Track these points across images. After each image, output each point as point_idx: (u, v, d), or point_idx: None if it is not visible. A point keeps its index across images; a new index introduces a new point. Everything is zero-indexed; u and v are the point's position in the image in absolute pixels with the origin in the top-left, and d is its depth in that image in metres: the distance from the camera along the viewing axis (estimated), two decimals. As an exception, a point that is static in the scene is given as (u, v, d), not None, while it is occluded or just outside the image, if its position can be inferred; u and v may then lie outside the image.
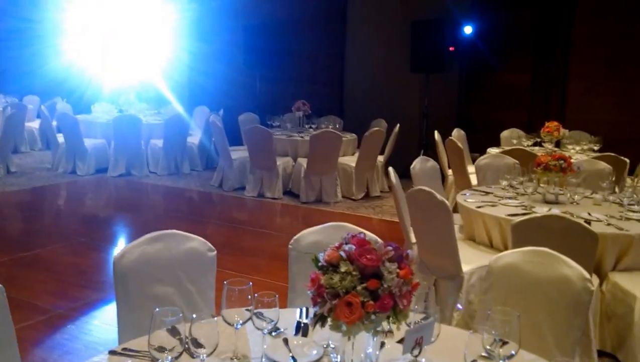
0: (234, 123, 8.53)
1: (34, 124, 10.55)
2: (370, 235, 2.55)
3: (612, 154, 5.58)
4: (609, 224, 3.35)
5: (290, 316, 1.93)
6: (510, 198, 3.98)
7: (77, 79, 10.89)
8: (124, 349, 1.71)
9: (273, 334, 1.75)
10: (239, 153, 7.74)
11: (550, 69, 7.92)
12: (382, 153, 7.68)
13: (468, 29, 8.06)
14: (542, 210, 3.62)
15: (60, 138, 8.65)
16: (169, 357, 1.45)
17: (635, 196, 3.63)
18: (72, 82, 10.86)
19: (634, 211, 3.63)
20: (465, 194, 4.10)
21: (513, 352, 1.42)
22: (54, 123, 8.84)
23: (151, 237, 2.28)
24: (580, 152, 6.37)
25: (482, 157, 5.22)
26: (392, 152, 7.73)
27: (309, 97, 8.37)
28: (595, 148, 6.36)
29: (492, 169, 5.03)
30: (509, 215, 3.54)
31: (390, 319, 1.29)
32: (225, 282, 1.64)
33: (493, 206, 3.79)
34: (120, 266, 2.20)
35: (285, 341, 1.73)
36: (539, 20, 7.94)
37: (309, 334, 1.79)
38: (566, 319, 2.07)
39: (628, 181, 4.25)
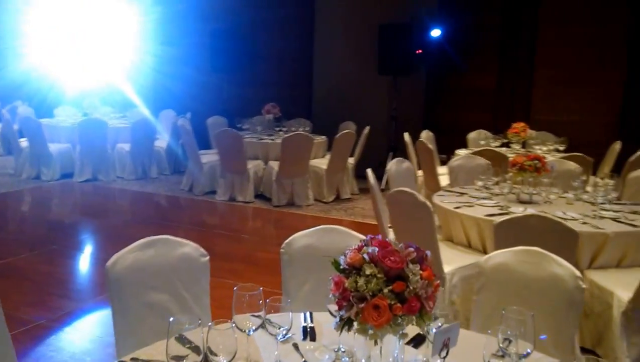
0: (202, 127, 8.46)
1: (-7, 129, 10.24)
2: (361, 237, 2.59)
3: (579, 154, 5.75)
4: (584, 223, 3.45)
5: (286, 320, 1.91)
6: (485, 198, 4.07)
7: (37, 82, 10.61)
8: (133, 359, 1.68)
9: (279, 338, 1.75)
10: (208, 157, 7.67)
11: (515, 71, 8.11)
12: (351, 155, 7.72)
13: (435, 33, 8.18)
14: (518, 210, 3.71)
15: (24, 143, 8.42)
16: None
17: (607, 195, 3.75)
18: (32, 85, 10.59)
19: (606, 210, 3.75)
20: (443, 195, 4.17)
21: (529, 350, 1.46)
22: (16, 127, 8.60)
23: (143, 243, 2.25)
24: (546, 152, 6.52)
25: (454, 159, 5.32)
26: (361, 154, 7.79)
27: (277, 100, 8.36)
28: (561, 148, 6.54)
29: (464, 170, 5.12)
30: (486, 215, 3.62)
31: (415, 321, 1.30)
32: (235, 288, 1.64)
33: (470, 206, 3.86)
34: (114, 272, 2.17)
35: (296, 346, 1.73)
36: (504, 24, 8.11)
37: (317, 339, 1.80)
38: (560, 317, 2.13)
39: (598, 180, 4.38)
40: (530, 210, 3.69)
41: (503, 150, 6.48)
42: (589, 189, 4.20)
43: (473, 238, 3.75)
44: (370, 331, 1.29)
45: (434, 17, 8.33)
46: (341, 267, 1.37)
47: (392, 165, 4.68)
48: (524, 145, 6.83)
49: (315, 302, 2.24)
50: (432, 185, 6.02)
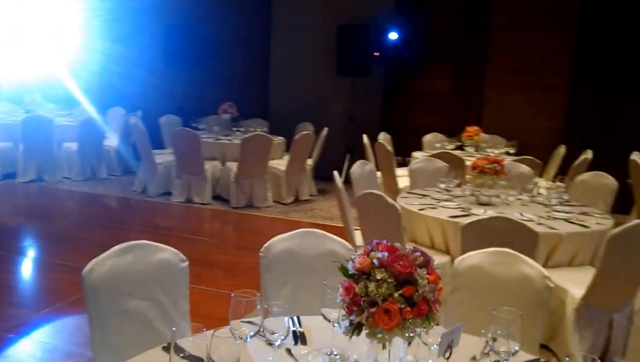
0: (154, 125, 8.28)
1: None
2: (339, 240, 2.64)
3: (530, 157, 5.99)
4: (539, 224, 3.60)
5: (277, 325, 1.93)
6: (446, 201, 4.19)
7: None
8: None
9: (273, 345, 1.76)
10: (163, 157, 7.54)
11: (469, 75, 8.33)
12: (309, 156, 7.76)
13: (393, 35, 8.31)
14: (478, 211, 3.84)
15: (-40, 142, 8.04)
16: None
17: (561, 197, 3.92)
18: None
19: (558, 211, 3.93)
20: (407, 197, 4.26)
21: (516, 348, 1.53)
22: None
23: (121, 249, 2.22)
24: (498, 155, 6.73)
25: (414, 161, 5.44)
26: (320, 155, 7.84)
27: (232, 99, 8.30)
28: (511, 151, 6.78)
29: (424, 173, 5.23)
30: (450, 217, 3.73)
31: (422, 323, 1.35)
32: (232, 294, 1.65)
33: (433, 208, 3.97)
34: (91, 280, 2.13)
35: (289, 351, 1.75)
36: (458, 29, 8.32)
37: (307, 343, 1.83)
38: (529, 315, 2.21)
39: (550, 183, 4.57)
40: (490, 211, 3.83)
41: (458, 153, 6.66)
42: (542, 191, 4.39)
43: (437, 239, 3.85)
44: (379, 335, 1.33)
45: (392, 19, 8.46)
46: (350, 272, 1.40)
47: (356, 167, 4.74)
48: (477, 148, 7.04)
49: (296, 306, 2.27)
50: (391, 187, 6.13)
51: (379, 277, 1.34)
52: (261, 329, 1.64)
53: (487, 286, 2.33)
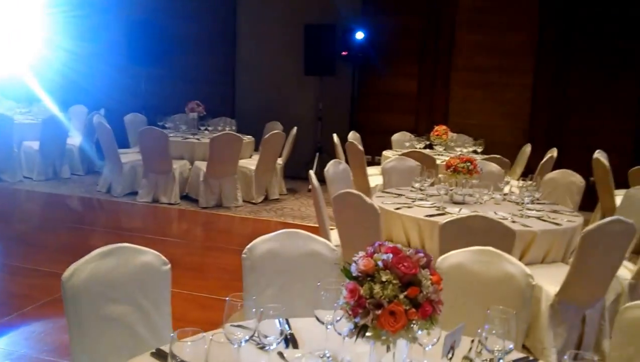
0: (117, 124, 8.08)
1: None
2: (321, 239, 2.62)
3: (498, 156, 6.09)
4: (513, 222, 3.65)
5: (267, 328, 1.90)
6: (421, 200, 4.22)
7: None
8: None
9: (267, 349, 1.74)
10: (128, 156, 7.40)
11: (434, 75, 8.42)
12: (279, 156, 7.73)
13: (359, 35, 8.33)
14: (453, 210, 3.88)
15: None
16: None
17: (533, 195, 3.99)
18: None
19: (529, 209, 4.00)
20: (382, 197, 4.28)
21: (511, 346, 1.55)
22: None
23: (102, 252, 2.15)
24: (466, 154, 6.83)
25: (387, 161, 5.46)
26: (289, 154, 7.82)
27: (198, 97, 8.18)
28: (479, 150, 6.87)
29: (397, 172, 5.26)
30: (426, 216, 3.76)
31: (426, 325, 1.35)
32: (227, 298, 1.62)
33: (409, 207, 3.99)
34: (71, 285, 2.05)
35: (281, 354, 1.73)
36: (423, 28, 8.40)
37: (299, 346, 1.81)
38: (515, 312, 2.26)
39: (520, 182, 4.63)
40: (465, 210, 3.88)
41: (427, 151, 6.73)
42: (514, 190, 4.46)
43: (413, 238, 3.87)
44: (384, 337, 1.32)
45: (358, 18, 8.48)
46: (354, 274, 1.39)
47: (330, 166, 4.73)
48: (445, 147, 7.12)
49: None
50: (362, 186, 6.14)
51: (384, 278, 1.33)
52: (255, 333, 1.61)
53: (469, 284, 2.35)
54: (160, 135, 6.86)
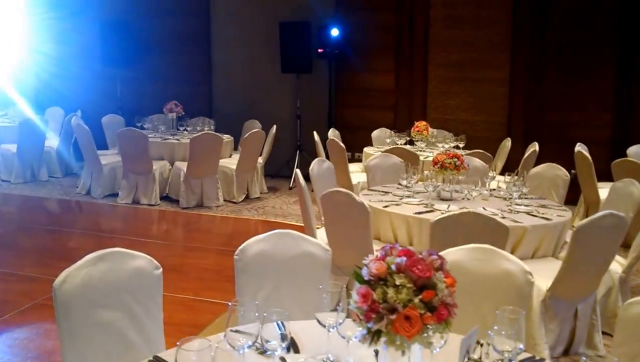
0: (94, 126, 7.93)
1: None
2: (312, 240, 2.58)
3: (481, 150, 6.10)
4: (503, 218, 3.65)
5: (266, 332, 1.86)
6: (408, 197, 4.19)
7: None
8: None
9: (268, 353, 1.69)
10: (108, 157, 7.28)
11: (411, 71, 8.42)
12: (259, 154, 7.66)
13: (335, 32, 8.28)
14: (442, 207, 3.87)
15: None
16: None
17: (521, 190, 3.99)
18: None
19: (518, 204, 4.00)
20: (370, 195, 4.25)
21: (521, 347, 1.53)
22: None
23: (94, 258, 2.10)
24: (447, 150, 6.84)
25: (371, 158, 5.42)
26: (270, 153, 7.76)
27: (175, 98, 8.05)
28: (461, 145, 6.88)
29: (381, 169, 5.24)
30: (415, 213, 3.74)
31: (441, 329, 1.31)
32: (229, 303, 1.57)
33: (397, 205, 3.97)
34: (62, 293, 1.99)
35: (283, 360, 1.68)
36: (397, 24, 8.38)
37: (300, 350, 1.77)
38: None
39: (507, 177, 4.65)
40: (453, 206, 3.87)
41: (409, 148, 6.71)
42: (502, 185, 4.47)
43: (401, 236, 3.85)
44: (398, 342, 1.28)
45: (333, 16, 8.44)
46: (366, 278, 1.35)
47: (314, 165, 4.68)
48: (427, 143, 7.11)
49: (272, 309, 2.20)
50: (344, 183, 6.11)
51: (397, 282, 1.29)
52: (258, 338, 1.57)
53: (467, 282, 2.31)
54: (140, 136, 6.74)
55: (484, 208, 3.83)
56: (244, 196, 7.39)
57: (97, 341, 2.06)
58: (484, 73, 8.11)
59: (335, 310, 1.71)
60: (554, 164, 4.82)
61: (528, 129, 7.81)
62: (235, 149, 8.11)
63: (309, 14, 8.44)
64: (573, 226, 3.98)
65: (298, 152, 8.49)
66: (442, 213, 3.66)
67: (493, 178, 4.52)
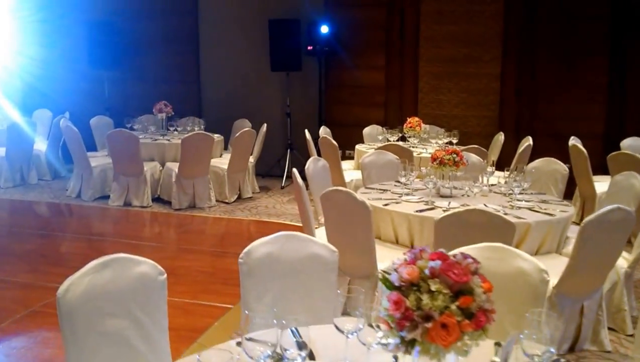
0: (82, 128, 7.79)
1: None
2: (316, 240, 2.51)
3: (476, 146, 6.07)
4: (506, 214, 3.60)
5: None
6: (407, 194, 4.15)
7: None
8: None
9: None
10: (98, 159, 7.17)
11: (401, 67, 8.37)
12: (250, 154, 7.58)
13: (324, 29, 8.21)
14: (443, 204, 3.83)
15: None
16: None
17: (522, 186, 3.94)
18: None
19: (518, 200, 3.96)
20: (368, 193, 4.19)
21: (552, 350, 1.48)
22: None
23: (97, 265, 2.02)
24: (441, 145, 6.80)
25: (365, 155, 5.37)
26: (260, 152, 7.68)
27: (163, 98, 7.95)
28: (454, 141, 6.85)
29: (376, 167, 5.19)
30: (416, 211, 3.69)
31: (479, 336, 1.25)
32: (246, 311, 1.50)
33: (397, 203, 3.92)
34: (66, 302, 1.91)
35: (303, 368, 1.62)
36: (388, 20, 8.33)
37: (316, 357, 1.70)
38: (526, 311, 2.19)
39: (505, 173, 4.61)
40: (454, 203, 3.83)
41: (402, 144, 6.67)
42: (501, 180, 4.43)
43: (402, 234, 3.80)
44: (433, 351, 1.22)
45: (322, 12, 8.37)
46: (396, 284, 1.28)
47: (310, 163, 4.63)
48: (419, 139, 7.07)
49: (282, 315, 2.13)
50: (338, 181, 6.05)
51: (433, 288, 1.23)
52: (277, 347, 1.50)
53: (481, 281, 2.28)
54: (131, 137, 6.64)
55: (484, 205, 3.78)
56: (236, 196, 7.31)
57: (102, 349, 1.99)
58: (475, 68, 8.09)
59: (346, 314, 1.66)
60: (552, 159, 4.79)
61: (519, 124, 7.80)
62: (226, 148, 8.04)
63: (298, 11, 8.37)
64: (574, 222, 3.96)
65: (289, 150, 8.42)
66: (444, 210, 3.63)
67: (492, 173, 4.49)
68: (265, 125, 7.54)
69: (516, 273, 2.22)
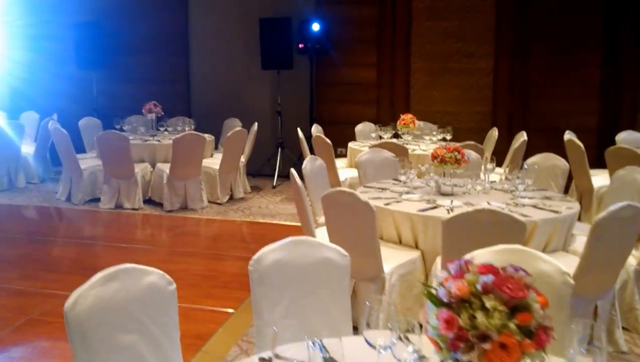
0: (70, 129, 7.64)
1: None
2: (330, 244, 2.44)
3: (472, 142, 6.02)
4: (511, 212, 3.56)
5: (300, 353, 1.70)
6: (408, 193, 4.08)
7: None
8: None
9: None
10: (87, 161, 7.03)
11: (393, 64, 8.31)
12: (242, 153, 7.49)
13: (315, 26, 8.14)
14: (445, 202, 3.76)
15: None
16: None
17: (524, 182, 3.89)
18: None
19: (522, 197, 3.91)
20: (367, 192, 4.12)
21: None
22: None
23: (104, 276, 1.93)
24: (435, 142, 6.76)
25: (361, 153, 5.29)
26: (251, 151, 7.59)
27: (152, 98, 7.85)
28: (448, 138, 6.81)
29: (372, 165, 5.11)
30: (419, 210, 3.62)
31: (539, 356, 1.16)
32: (274, 327, 1.43)
33: (398, 202, 3.85)
34: (74, 316, 1.82)
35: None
36: (379, 16, 8.27)
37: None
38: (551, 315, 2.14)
39: (505, 169, 4.58)
40: (456, 201, 3.77)
41: (396, 141, 6.60)
42: (502, 177, 4.38)
43: (405, 234, 3.74)
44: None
45: (313, 10, 8.29)
46: (445, 300, 1.19)
47: (307, 163, 4.55)
48: (413, 136, 7.02)
49: (295, 325, 2.05)
50: (333, 180, 5.98)
51: (488, 305, 1.14)
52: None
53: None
54: (121, 138, 6.52)
55: (488, 202, 3.74)
56: (228, 197, 7.21)
57: (114, 364, 1.90)
58: (467, 63, 8.06)
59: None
60: (552, 154, 4.75)
61: (512, 119, 7.79)
62: (216, 148, 7.94)
63: (289, 9, 8.29)
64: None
65: (280, 149, 8.33)
66: (447, 209, 3.57)
67: (492, 170, 4.44)
68: (256, 124, 7.46)
69: (537, 276, 2.12)
